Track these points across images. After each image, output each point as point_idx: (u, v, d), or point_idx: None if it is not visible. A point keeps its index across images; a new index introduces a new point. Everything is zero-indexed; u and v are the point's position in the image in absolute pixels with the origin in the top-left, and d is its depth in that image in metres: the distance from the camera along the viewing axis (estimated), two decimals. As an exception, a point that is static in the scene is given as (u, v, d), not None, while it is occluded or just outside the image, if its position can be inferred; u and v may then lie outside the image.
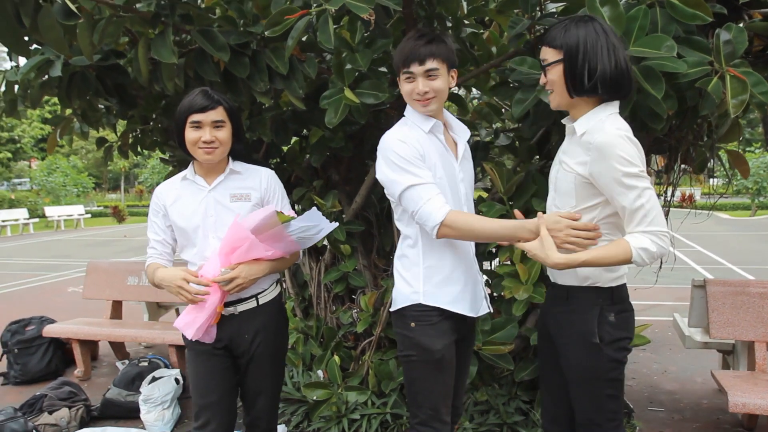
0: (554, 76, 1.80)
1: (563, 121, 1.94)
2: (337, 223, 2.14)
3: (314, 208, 2.09)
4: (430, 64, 1.89)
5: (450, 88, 1.99)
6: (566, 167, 1.84)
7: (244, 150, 2.26)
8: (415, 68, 1.90)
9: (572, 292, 1.89)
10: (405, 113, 2.04)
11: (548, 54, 1.81)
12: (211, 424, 2.18)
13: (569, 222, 1.75)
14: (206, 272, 2.06)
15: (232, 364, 2.23)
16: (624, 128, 1.73)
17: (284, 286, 4.00)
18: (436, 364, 1.97)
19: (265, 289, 2.24)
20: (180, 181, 2.20)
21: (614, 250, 1.70)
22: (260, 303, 2.21)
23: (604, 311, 1.84)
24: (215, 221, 2.14)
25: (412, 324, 1.98)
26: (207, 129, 2.06)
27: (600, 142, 1.69)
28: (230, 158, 2.22)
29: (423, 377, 1.99)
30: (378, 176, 2.00)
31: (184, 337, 2.18)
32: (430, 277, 1.99)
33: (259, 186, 2.22)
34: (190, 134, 2.07)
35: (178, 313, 5.50)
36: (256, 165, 2.28)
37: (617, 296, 1.87)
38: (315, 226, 2.08)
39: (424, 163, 1.91)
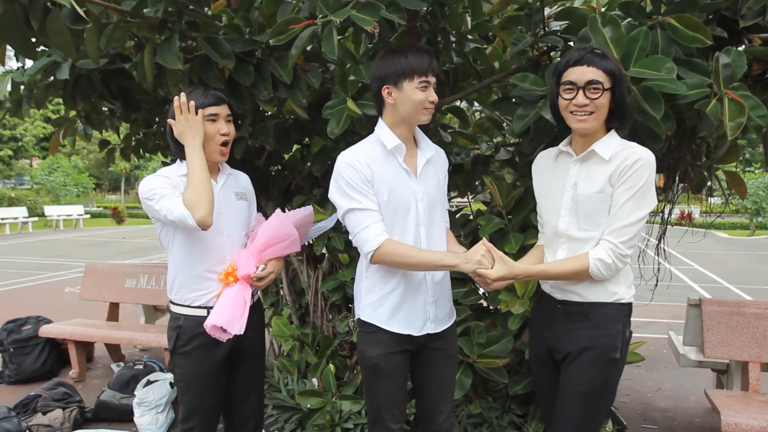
0: (605, 100, 1.83)
1: (562, 147, 1.98)
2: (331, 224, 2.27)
3: (335, 214, 2.16)
4: (431, 77, 1.96)
5: None
6: (592, 190, 1.87)
7: (233, 151, 2.33)
8: (431, 78, 1.95)
9: (595, 308, 1.91)
10: (376, 128, 2.05)
11: (601, 77, 1.81)
12: (203, 426, 2.20)
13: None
14: (244, 268, 2.10)
15: (228, 365, 2.24)
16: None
17: (282, 293, 4.01)
18: (371, 371, 2.08)
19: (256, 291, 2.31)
20: (178, 177, 2.11)
21: (572, 261, 1.85)
22: (254, 303, 2.27)
23: (625, 326, 1.91)
24: (227, 219, 2.17)
25: (358, 330, 2.15)
26: (223, 122, 2.11)
27: (644, 154, 1.81)
28: None
29: (365, 382, 2.14)
30: (329, 195, 2.08)
31: (181, 340, 2.14)
32: (368, 294, 2.09)
33: (248, 187, 2.35)
34: (208, 127, 2.08)
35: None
36: (234, 169, 2.36)
37: (631, 311, 1.95)
38: (325, 227, 2.25)
39: (370, 188, 1.97)
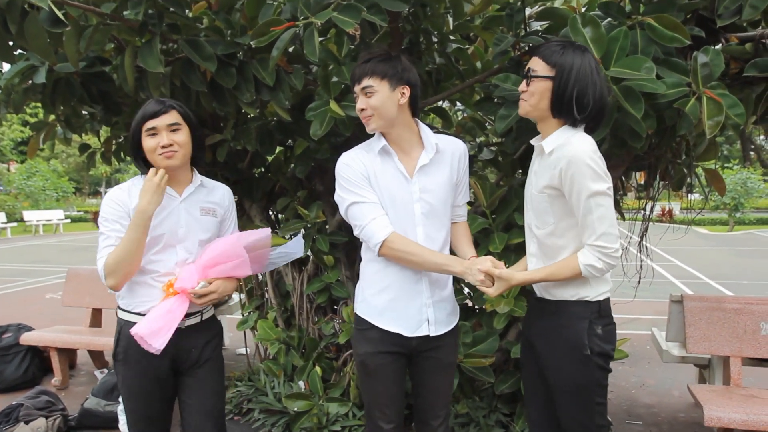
0: (538, 88, 1.85)
1: (533, 141, 2.00)
2: (301, 253, 2.20)
3: (300, 235, 2.12)
4: (366, 81, 1.95)
5: (399, 104, 1.98)
6: (539, 187, 1.91)
7: (204, 158, 2.22)
8: (356, 88, 1.98)
9: (561, 306, 1.94)
10: None
11: (539, 66, 1.85)
12: None
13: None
14: (183, 282, 2.02)
15: (172, 378, 2.17)
16: (592, 143, 1.82)
17: (267, 296, 3.99)
18: (359, 367, 2.13)
19: (208, 306, 2.22)
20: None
21: (564, 267, 1.87)
22: (203, 318, 2.21)
23: (593, 324, 1.91)
24: (186, 232, 2.10)
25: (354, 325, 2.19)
26: (164, 133, 2.01)
27: (571, 154, 1.77)
28: (194, 169, 2.19)
29: (358, 377, 2.18)
30: (334, 197, 2.10)
31: (120, 350, 2.12)
32: (365, 289, 2.12)
33: (223, 202, 2.22)
34: (148, 142, 2.01)
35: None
36: (212, 180, 2.26)
37: (603, 310, 1.95)
38: (292, 253, 2.14)
39: (369, 184, 2.01)
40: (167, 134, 2.01)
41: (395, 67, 1.97)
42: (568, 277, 1.87)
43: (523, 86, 1.91)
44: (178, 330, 2.04)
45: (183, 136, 2.05)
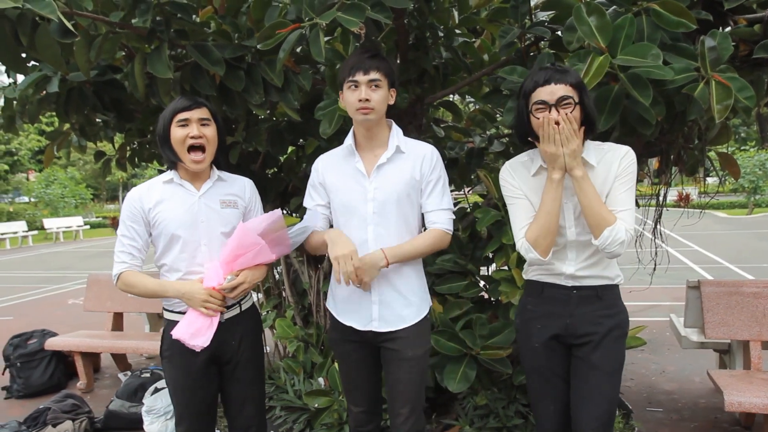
0: (578, 113, 1.87)
1: (543, 164, 1.98)
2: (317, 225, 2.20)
3: (309, 210, 2.15)
4: (374, 74, 1.99)
5: (388, 103, 2.07)
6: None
7: (226, 160, 2.26)
8: (360, 77, 1.99)
9: (605, 290, 2.03)
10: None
11: (569, 92, 1.85)
12: (192, 430, 2.22)
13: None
14: (208, 281, 2.06)
15: (216, 372, 2.23)
16: None
17: (284, 294, 4.03)
18: (334, 353, 2.31)
19: (246, 295, 2.26)
20: (162, 184, 2.15)
21: (607, 209, 1.91)
22: (243, 309, 2.25)
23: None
24: (207, 227, 2.12)
25: None
26: (194, 125, 2.07)
27: (629, 150, 1.94)
28: (213, 166, 2.22)
29: None
30: None
31: (165, 349, 2.18)
32: (332, 284, 2.23)
33: (243, 194, 2.25)
34: (178, 132, 2.05)
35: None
36: (233, 174, 2.30)
37: None
38: (308, 227, 2.15)
39: (322, 188, 2.19)
40: (198, 126, 2.07)
41: (392, 68, 2.05)
42: (596, 206, 1.87)
43: (556, 116, 1.84)
44: (218, 323, 2.11)
45: (211, 132, 2.12)
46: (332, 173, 2.15)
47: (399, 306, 2.13)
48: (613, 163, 1.93)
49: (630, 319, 2.10)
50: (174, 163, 2.14)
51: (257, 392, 2.32)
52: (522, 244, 2.00)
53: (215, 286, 2.05)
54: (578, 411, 2.04)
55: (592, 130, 1.93)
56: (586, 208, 1.88)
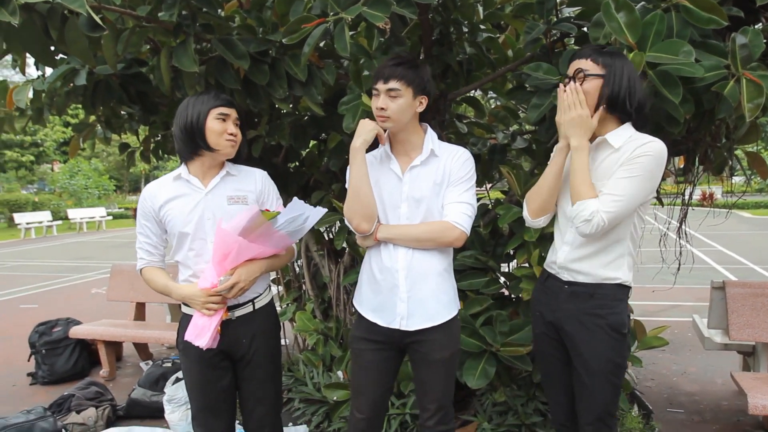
0: (589, 87, 1.90)
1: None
2: (325, 209, 2.14)
3: (295, 198, 2.09)
4: (393, 84, 1.99)
5: (417, 112, 2.07)
6: (606, 181, 1.92)
7: (243, 153, 2.26)
8: (380, 85, 2.01)
9: (600, 289, 1.99)
10: None
11: (588, 66, 1.91)
12: (209, 425, 2.23)
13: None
14: (203, 282, 2.07)
15: (229, 367, 2.24)
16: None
17: (304, 288, 4.05)
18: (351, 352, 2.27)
19: (260, 294, 2.25)
20: (172, 180, 2.16)
21: (589, 185, 1.91)
22: (256, 307, 2.23)
23: (627, 305, 2.03)
24: (213, 224, 2.11)
25: None
26: (230, 123, 2.12)
27: (655, 148, 1.86)
28: (225, 162, 2.22)
29: None
30: None
31: (180, 341, 2.20)
32: (361, 279, 2.24)
33: (255, 188, 2.22)
34: (216, 125, 2.08)
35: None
36: (247, 166, 2.29)
37: (630, 293, 2.06)
38: (300, 215, 2.06)
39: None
40: (233, 126, 2.13)
41: (422, 76, 2.04)
42: (579, 180, 1.89)
43: (572, 85, 1.91)
44: (228, 321, 2.14)
45: (239, 132, 2.18)
46: (375, 172, 2.15)
47: (427, 304, 2.10)
48: (629, 150, 1.89)
49: (652, 318, 2.09)
50: (191, 155, 2.13)
51: (271, 393, 2.30)
52: (525, 212, 2.18)
53: (208, 287, 2.05)
54: (577, 405, 2.10)
55: (621, 115, 1.92)
56: (570, 177, 1.93)
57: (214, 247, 2.06)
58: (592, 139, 1.95)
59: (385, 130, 2.10)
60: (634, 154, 1.86)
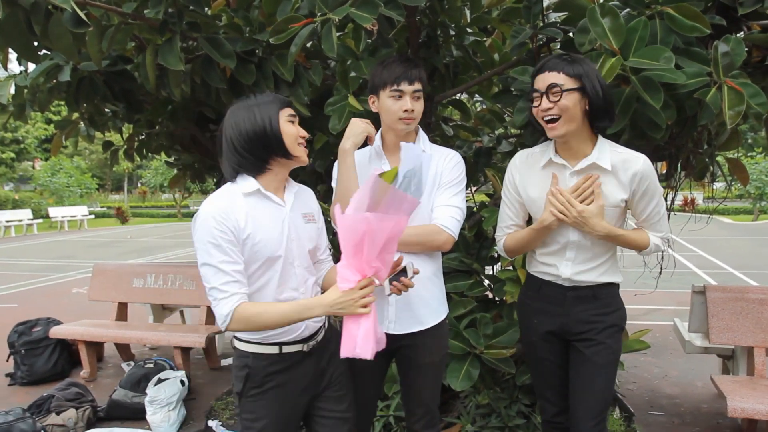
0: (569, 102, 1.84)
1: (554, 158, 1.99)
2: (429, 153, 2.00)
3: (402, 143, 1.77)
4: (418, 85, 1.99)
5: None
6: (616, 201, 1.95)
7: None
8: (405, 87, 1.97)
9: (602, 289, 2.07)
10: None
11: (561, 79, 1.84)
12: None
13: (569, 197, 1.96)
14: (344, 285, 1.68)
15: (306, 403, 1.97)
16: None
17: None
18: None
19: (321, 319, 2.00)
20: (244, 197, 1.77)
21: (639, 237, 2.03)
22: (325, 329, 2.01)
23: (620, 298, 2.14)
24: (298, 246, 1.84)
25: None
26: (298, 125, 1.85)
27: (644, 169, 1.91)
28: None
29: None
30: None
31: (252, 377, 1.84)
32: None
33: (316, 206, 2.01)
34: (291, 128, 1.79)
35: (182, 315, 5.55)
36: (299, 183, 2.01)
37: None
38: (418, 162, 1.73)
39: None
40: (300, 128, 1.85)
41: (426, 80, 2.05)
42: (635, 245, 2.03)
43: (546, 104, 1.86)
44: (302, 354, 1.87)
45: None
46: (365, 170, 2.07)
47: (416, 308, 2.08)
48: (632, 173, 1.91)
49: (634, 322, 2.13)
50: (263, 167, 1.80)
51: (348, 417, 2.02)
52: (500, 246, 2.23)
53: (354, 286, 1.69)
54: (573, 403, 2.11)
55: (598, 123, 1.91)
56: (617, 242, 2.02)
57: (341, 242, 1.66)
58: (577, 161, 1.95)
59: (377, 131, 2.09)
60: (648, 181, 1.92)
